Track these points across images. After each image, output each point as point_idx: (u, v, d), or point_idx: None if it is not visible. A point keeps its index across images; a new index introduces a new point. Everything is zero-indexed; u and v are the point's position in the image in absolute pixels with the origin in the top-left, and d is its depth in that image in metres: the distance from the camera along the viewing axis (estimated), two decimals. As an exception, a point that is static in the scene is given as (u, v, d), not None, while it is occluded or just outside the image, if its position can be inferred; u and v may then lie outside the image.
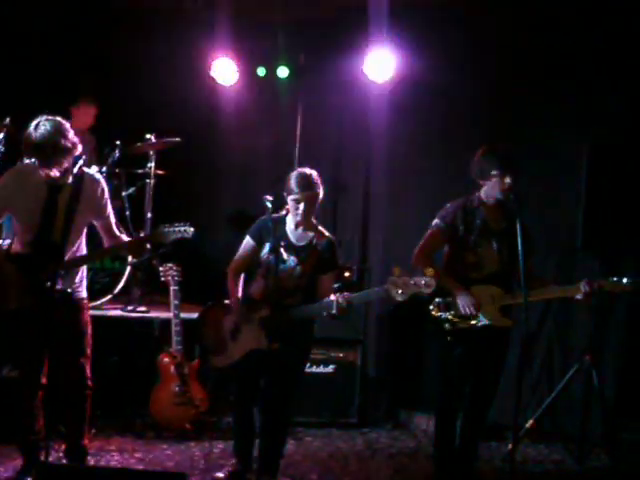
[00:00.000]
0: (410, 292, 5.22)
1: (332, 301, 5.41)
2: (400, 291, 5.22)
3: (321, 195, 5.59)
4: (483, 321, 5.73)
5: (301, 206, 5.52)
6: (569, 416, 7.07)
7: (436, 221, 5.89)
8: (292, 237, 5.65)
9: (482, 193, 5.86)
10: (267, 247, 5.62)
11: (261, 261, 5.65)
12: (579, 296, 5.71)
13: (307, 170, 5.62)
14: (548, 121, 7.32)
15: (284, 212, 5.72)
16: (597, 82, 7.14)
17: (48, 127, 5.20)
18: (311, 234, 5.57)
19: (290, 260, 5.60)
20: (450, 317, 5.74)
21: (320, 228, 5.68)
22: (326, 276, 5.63)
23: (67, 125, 5.30)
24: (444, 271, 5.81)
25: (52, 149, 5.18)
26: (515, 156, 5.82)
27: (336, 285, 5.99)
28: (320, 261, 5.54)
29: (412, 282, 5.21)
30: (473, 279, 5.78)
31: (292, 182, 5.56)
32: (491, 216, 5.85)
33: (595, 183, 6.73)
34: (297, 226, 5.63)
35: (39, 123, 5.21)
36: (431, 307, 5.78)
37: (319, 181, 5.60)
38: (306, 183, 5.53)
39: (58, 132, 5.21)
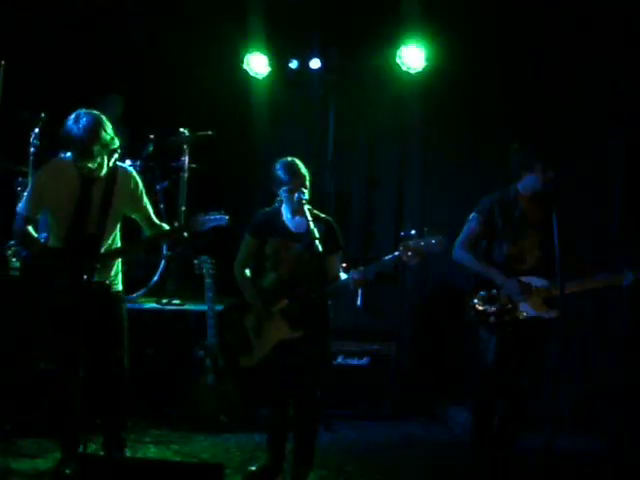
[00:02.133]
0: (422, 254, 5.22)
1: (346, 279, 5.44)
2: (411, 254, 5.22)
3: (308, 177, 5.60)
4: (528, 313, 5.70)
5: (295, 195, 5.53)
6: (606, 407, 7.02)
7: (473, 214, 5.87)
8: (291, 226, 5.65)
9: (519, 185, 5.83)
10: (270, 241, 5.64)
11: (267, 255, 5.67)
12: (625, 283, 5.68)
13: (289, 158, 5.63)
14: (583, 112, 7.27)
15: (276, 204, 5.72)
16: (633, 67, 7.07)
17: (89, 120, 5.23)
18: (309, 219, 5.54)
19: (296, 248, 5.61)
20: (495, 310, 5.72)
21: (316, 212, 5.65)
22: (331, 257, 5.60)
23: (105, 118, 5.33)
24: (485, 262, 5.80)
25: (92, 142, 5.21)
26: (554, 148, 5.79)
27: (343, 265, 6.00)
28: (323, 243, 5.52)
29: (422, 243, 5.21)
30: (516, 271, 5.76)
31: (281, 173, 5.57)
32: (529, 208, 5.81)
33: (633, 173, 6.66)
34: (294, 214, 5.63)
35: (79, 116, 5.26)
36: (475, 300, 5.76)
37: (303, 165, 5.61)
38: (294, 171, 5.55)
39: (98, 125, 5.25)
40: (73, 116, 5.27)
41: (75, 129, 5.22)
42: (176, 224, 7.08)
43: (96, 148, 5.23)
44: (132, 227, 5.76)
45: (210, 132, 7.95)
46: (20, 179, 7.29)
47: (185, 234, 5.65)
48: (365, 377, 7.41)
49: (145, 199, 5.63)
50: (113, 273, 5.55)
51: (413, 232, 5.24)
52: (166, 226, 5.75)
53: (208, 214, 5.50)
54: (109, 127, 5.32)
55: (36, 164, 7.09)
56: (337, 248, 5.67)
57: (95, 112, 5.32)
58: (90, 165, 5.28)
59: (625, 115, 7.05)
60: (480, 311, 5.76)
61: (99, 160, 5.29)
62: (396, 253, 5.29)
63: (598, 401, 7.10)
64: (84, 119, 5.23)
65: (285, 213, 5.66)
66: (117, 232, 5.59)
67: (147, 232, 5.67)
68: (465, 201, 6.29)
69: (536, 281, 5.75)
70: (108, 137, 5.28)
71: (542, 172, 5.69)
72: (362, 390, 7.39)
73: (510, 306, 5.71)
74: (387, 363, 7.45)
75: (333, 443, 6.70)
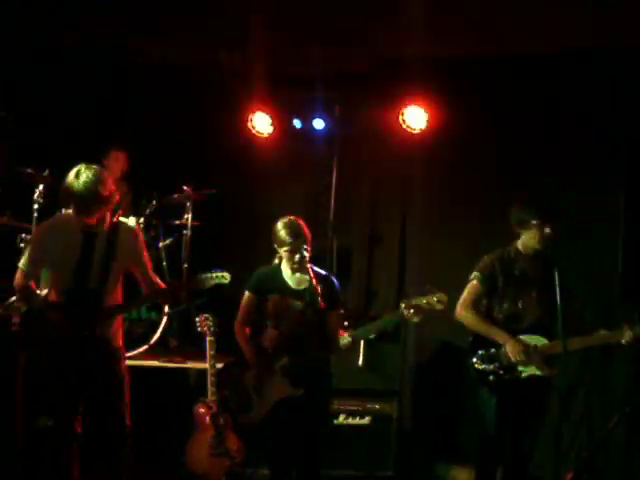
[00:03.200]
0: (424, 311, 5.23)
1: (341, 338, 5.47)
2: (413, 311, 5.22)
3: (309, 239, 5.61)
4: (528, 371, 5.69)
5: (297, 256, 5.53)
6: (609, 469, 6.95)
7: (475, 273, 5.88)
8: (291, 283, 5.68)
9: (519, 243, 5.85)
10: (270, 298, 5.65)
11: (267, 312, 5.66)
12: (624, 340, 5.66)
13: (291, 218, 5.68)
14: (583, 169, 7.30)
15: (276, 261, 5.73)
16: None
17: (89, 175, 5.26)
18: (309, 276, 5.55)
19: (296, 305, 5.60)
20: (494, 369, 5.70)
21: (316, 269, 5.67)
22: (332, 313, 5.61)
23: (106, 174, 5.37)
24: (487, 322, 5.79)
25: (93, 197, 5.24)
26: (553, 206, 5.82)
27: (345, 323, 6.00)
28: (323, 300, 5.51)
29: (424, 301, 5.23)
30: (514, 330, 5.75)
31: (282, 234, 5.61)
32: (529, 266, 5.82)
33: (634, 231, 6.67)
34: (294, 272, 5.64)
35: (79, 171, 5.28)
36: (474, 360, 5.76)
37: (304, 224, 5.63)
38: (296, 232, 5.59)
39: (98, 180, 5.27)
40: (74, 171, 5.29)
41: (75, 184, 5.24)
42: (179, 282, 7.13)
43: (95, 204, 5.26)
44: (134, 284, 5.77)
45: (213, 190, 8.00)
46: (23, 235, 7.32)
47: (184, 293, 5.66)
48: (366, 437, 7.34)
49: (145, 256, 5.63)
50: (113, 329, 5.53)
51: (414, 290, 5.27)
52: (163, 285, 5.74)
53: (210, 272, 5.50)
54: (109, 182, 5.34)
55: (39, 221, 7.12)
56: (337, 304, 5.68)
57: (95, 167, 5.34)
58: (91, 220, 5.30)
59: (625, 166, 7.09)
60: (479, 370, 5.74)
61: (100, 215, 5.32)
62: (398, 310, 5.31)
63: (600, 463, 7.03)
64: (84, 174, 5.26)
65: (285, 270, 5.68)
66: (118, 288, 5.58)
67: (145, 289, 5.65)
68: (469, 258, 6.29)
69: (537, 339, 5.73)
70: (108, 192, 5.31)
71: (539, 229, 5.71)
72: (363, 450, 7.32)
73: (509, 365, 5.69)
74: (388, 423, 7.38)
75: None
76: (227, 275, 5.49)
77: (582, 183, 7.32)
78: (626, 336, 5.66)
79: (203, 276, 5.48)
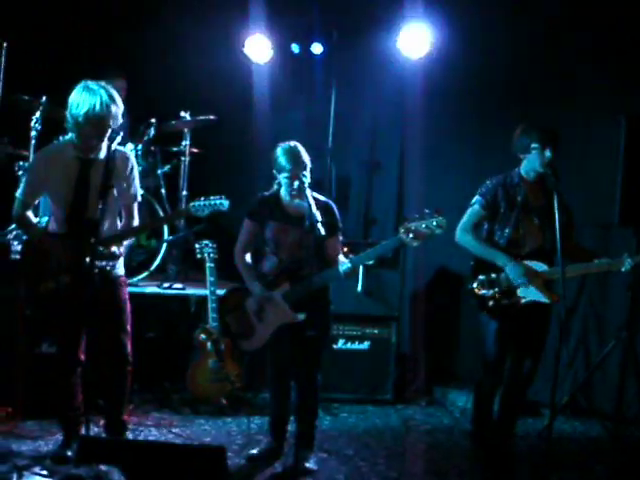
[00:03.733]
0: (423, 235, 5.23)
1: (337, 271, 5.47)
2: (412, 236, 5.23)
3: (309, 165, 5.59)
4: (528, 297, 5.73)
5: (296, 182, 5.52)
6: (605, 393, 7.05)
7: (477, 198, 5.89)
8: (290, 210, 5.65)
9: (522, 169, 5.87)
10: (269, 225, 5.65)
11: (267, 239, 5.68)
12: (624, 268, 5.70)
13: (291, 143, 5.61)
14: (584, 94, 7.26)
15: (275, 187, 5.71)
16: (634, 52, 7.05)
17: (106, 93, 5.19)
18: (308, 202, 5.54)
19: (295, 231, 5.61)
20: (494, 294, 5.74)
21: (315, 194, 5.66)
22: (331, 239, 5.60)
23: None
24: (488, 244, 5.82)
25: (109, 118, 5.20)
26: (554, 131, 5.81)
27: (345, 249, 6.01)
28: (323, 226, 5.52)
29: (424, 225, 5.22)
30: (515, 256, 5.78)
31: (282, 160, 5.55)
32: (532, 192, 5.84)
33: (633, 157, 6.64)
34: (293, 198, 5.62)
35: (93, 90, 5.19)
36: (474, 285, 5.80)
37: (304, 150, 5.60)
38: (296, 158, 5.53)
39: (115, 99, 5.23)
40: (85, 90, 5.20)
41: (92, 104, 5.15)
42: (177, 209, 7.10)
43: (110, 125, 5.22)
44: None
45: (212, 116, 7.96)
46: (21, 163, 7.29)
47: (182, 220, 5.61)
48: (365, 361, 7.42)
49: (134, 187, 5.55)
50: (113, 257, 5.50)
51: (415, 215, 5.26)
52: (136, 223, 5.64)
53: (209, 199, 5.48)
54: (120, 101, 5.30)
55: (37, 148, 7.09)
56: (336, 230, 5.68)
57: (104, 84, 5.27)
58: (88, 148, 5.27)
59: (627, 101, 7.04)
60: (479, 295, 5.78)
61: (103, 139, 5.28)
62: (398, 235, 5.31)
63: (597, 387, 7.13)
64: (102, 94, 5.17)
65: (284, 197, 5.65)
66: (116, 216, 5.57)
67: (124, 220, 5.58)
68: (467, 184, 6.29)
69: (537, 266, 5.77)
70: (120, 110, 5.26)
71: (540, 154, 5.72)
72: (362, 374, 7.41)
73: (509, 290, 5.73)
74: (387, 347, 7.46)
75: (334, 427, 6.73)
76: (225, 202, 5.45)
77: (584, 106, 7.27)
78: (626, 264, 5.69)
79: (201, 203, 5.46)
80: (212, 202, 5.45)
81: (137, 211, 5.64)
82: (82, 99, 5.19)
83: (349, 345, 7.41)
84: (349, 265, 5.47)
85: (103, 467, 2.56)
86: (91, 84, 5.24)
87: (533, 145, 5.75)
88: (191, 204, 5.51)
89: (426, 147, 7.99)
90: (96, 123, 5.20)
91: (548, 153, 5.72)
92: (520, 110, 7.26)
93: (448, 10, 7.55)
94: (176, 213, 5.89)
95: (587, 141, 7.21)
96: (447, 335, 7.97)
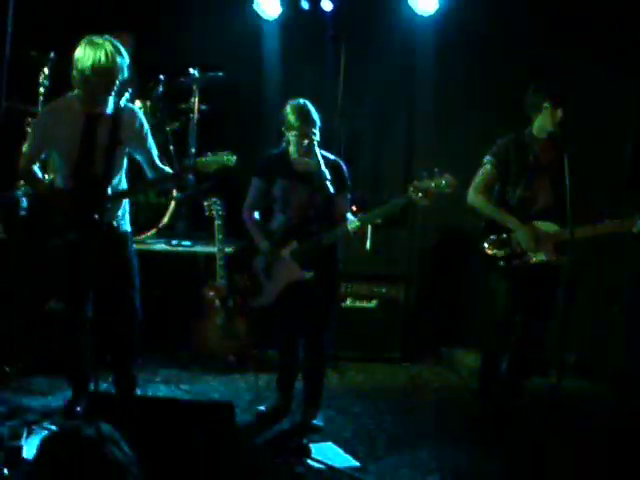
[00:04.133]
0: (433, 193, 5.22)
1: (345, 229, 5.46)
2: (421, 195, 5.21)
3: (319, 123, 5.55)
4: (538, 257, 5.71)
5: (305, 140, 5.49)
6: (612, 352, 7.05)
7: (488, 157, 5.86)
8: (299, 168, 5.61)
9: (533, 128, 5.83)
10: (278, 182, 5.61)
11: (275, 197, 5.65)
12: (636, 229, 5.66)
13: (301, 101, 5.55)
14: (600, 59, 7.17)
15: (284, 144, 5.67)
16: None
17: (111, 46, 5.16)
18: (317, 160, 5.52)
19: (304, 189, 5.59)
20: (505, 254, 5.73)
21: (324, 153, 5.63)
22: (339, 197, 5.59)
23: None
24: (499, 207, 5.79)
25: (118, 70, 5.17)
26: (566, 90, 5.76)
27: (353, 208, 5.99)
28: (331, 184, 5.50)
29: (433, 184, 5.20)
30: (527, 215, 5.76)
31: (291, 117, 5.49)
32: (543, 151, 5.81)
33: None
34: (302, 156, 5.58)
35: (99, 44, 5.15)
36: (485, 244, 5.79)
37: (313, 108, 5.55)
38: (306, 116, 5.49)
39: (120, 51, 5.20)
40: (91, 43, 5.16)
41: (101, 57, 5.11)
42: (183, 164, 7.05)
43: (117, 78, 5.19)
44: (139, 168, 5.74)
45: (220, 73, 7.90)
46: (30, 119, 7.26)
47: (191, 176, 5.59)
48: (373, 320, 7.44)
49: (150, 140, 5.56)
50: (120, 214, 5.52)
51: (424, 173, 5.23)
52: (168, 169, 5.69)
53: (215, 154, 5.45)
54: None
55: (46, 104, 7.06)
56: (345, 188, 5.66)
57: (109, 37, 5.24)
58: (95, 103, 5.24)
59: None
60: (490, 255, 5.77)
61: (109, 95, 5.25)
62: (406, 194, 5.29)
63: (604, 347, 7.13)
64: (107, 46, 5.13)
65: (293, 154, 5.62)
66: (123, 172, 5.55)
67: (150, 174, 5.60)
68: (477, 141, 6.25)
69: (548, 226, 5.75)
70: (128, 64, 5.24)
71: (551, 112, 5.68)
72: (370, 332, 7.43)
73: (520, 250, 5.72)
74: (395, 306, 7.48)
75: (341, 384, 6.76)
76: (232, 157, 5.42)
77: (599, 70, 7.20)
78: (637, 225, 5.66)
79: (208, 159, 5.43)
80: (219, 157, 5.42)
81: (161, 163, 5.63)
82: (87, 53, 5.16)
83: (357, 303, 7.42)
84: (357, 223, 5.45)
85: (106, 427, 2.56)
86: (95, 38, 5.20)
87: (545, 104, 5.71)
88: (198, 159, 5.50)
89: (436, 102, 7.94)
90: (103, 75, 5.16)
91: (559, 112, 5.67)
92: (533, 65, 7.18)
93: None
94: (183, 168, 5.87)
95: (600, 101, 7.13)
96: (456, 295, 7.96)
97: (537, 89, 5.78)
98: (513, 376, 6.01)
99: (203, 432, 4.09)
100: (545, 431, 5.69)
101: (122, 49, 5.23)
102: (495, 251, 5.76)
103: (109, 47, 5.15)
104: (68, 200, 5.36)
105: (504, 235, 5.75)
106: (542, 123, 5.77)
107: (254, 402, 6.09)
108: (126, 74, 5.27)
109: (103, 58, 5.13)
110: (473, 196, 5.87)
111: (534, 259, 5.73)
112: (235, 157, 5.42)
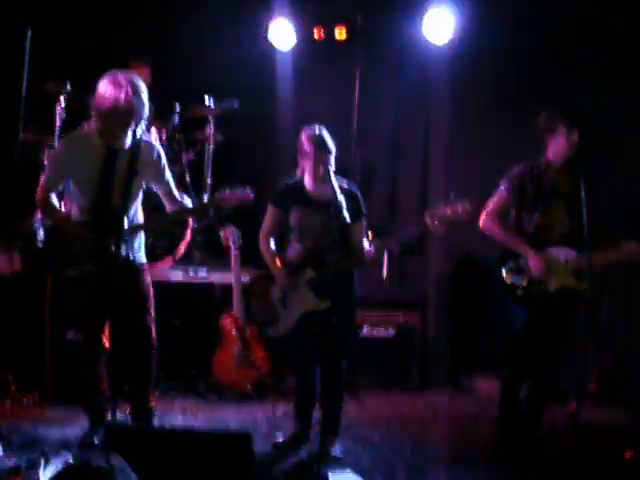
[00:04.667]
0: (448, 221, 5.21)
1: (366, 251, 5.47)
2: (438, 221, 5.20)
3: (334, 151, 5.55)
4: (557, 284, 5.67)
5: (321, 167, 5.49)
6: (631, 380, 6.99)
7: (504, 184, 5.83)
8: (315, 196, 5.61)
9: (549, 153, 5.80)
10: (294, 211, 5.62)
11: (291, 225, 5.65)
12: None
13: (316, 129, 5.56)
14: (617, 90, 7.16)
15: (298, 173, 5.68)
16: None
17: (137, 84, 5.20)
18: (332, 188, 5.52)
19: (320, 217, 5.58)
20: (523, 281, 5.70)
21: (339, 180, 5.63)
22: (355, 225, 5.58)
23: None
24: (512, 233, 5.77)
25: (142, 108, 5.21)
26: (581, 115, 5.75)
27: (370, 234, 5.99)
28: (347, 212, 5.50)
29: (449, 210, 5.19)
30: (544, 241, 5.73)
31: (307, 146, 5.52)
32: (559, 177, 5.78)
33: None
34: (318, 184, 5.58)
35: (122, 81, 5.18)
36: (503, 272, 5.75)
37: (329, 136, 5.55)
38: (321, 143, 5.50)
39: (143, 90, 5.24)
40: (113, 80, 5.19)
41: (126, 96, 5.15)
42: (204, 199, 7.08)
43: (141, 115, 5.23)
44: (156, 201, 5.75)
45: (235, 102, 7.93)
46: (47, 151, 7.30)
47: (211, 212, 5.63)
48: (390, 347, 7.42)
49: (167, 173, 5.60)
50: (137, 245, 5.55)
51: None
52: (187, 200, 5.70)
53: (233, 190, 5.47)
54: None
55: (62, 135, 7.09)
56: (361, 216, 5.66)
57: (132, 74, 5.28)
58: (119, 134, 5.27)
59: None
60: (508, 284, 5.73)
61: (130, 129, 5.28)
62: (422, 219, 5.29)
63: (624, 373, 7.08)
64: (135, 83, 5.18)
65: (309, 182, 5.63)
66: (139, 205, 5.58)
67: (168, 206, 5.63)
68: (492, 169, 6.23)
69: (565, 253, 5.71)
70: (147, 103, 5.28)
71: (566, 135, 5.67)
72: (388, 360, 7.42)
73: (537, 278, 5.68)
74: (412, 333, 7.46)
75: (359, 413, 6.72)
76: (250, 193, 5.46)
77: (616, 101, 7.19)
78: None
79: (226, 195, 5.43)
80: (237, 194, 5.45)
81: (179, 194, 5.65)
82: (109, 91, 5.18)
83: (374, 332, 7.40)
84: (373, 251, 5.45)
85: (117, 459, 2.55)
86: (118, 75, 5.23)
87: (557, 126, 5.70)
88: (217, 196, 5.51)
89: (451, 130, 7.95)
90: (122, 114, 5.20)
91: (575, 135, 5.66)
92: (547, 95, 7.19)
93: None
94: (202, 207, 5.93)
95: (618, 129, 7.12)
96: (473, 322, 7.93)
97: (551, 113, 5.76)
98: (532, 404, 5.96)
99: (220, 463, 4.09)
100: (564, 460, 5.64)
101: (143, 91, 5.25)
102: (514, 279, 5.72)
103: (130, 88, 5.18)
104: (85, 231, 5.38)
105: (522, 261, 5.72)
106: (557, 147, 5.75)
107: (272, 432, 6.06)
108: (145, 113, 5.30)
109: (123, 99, 5.16)
110: (486, 221, 5.84)
111: (552, 287, 5.68)
112: (253, 194, 5.45)
